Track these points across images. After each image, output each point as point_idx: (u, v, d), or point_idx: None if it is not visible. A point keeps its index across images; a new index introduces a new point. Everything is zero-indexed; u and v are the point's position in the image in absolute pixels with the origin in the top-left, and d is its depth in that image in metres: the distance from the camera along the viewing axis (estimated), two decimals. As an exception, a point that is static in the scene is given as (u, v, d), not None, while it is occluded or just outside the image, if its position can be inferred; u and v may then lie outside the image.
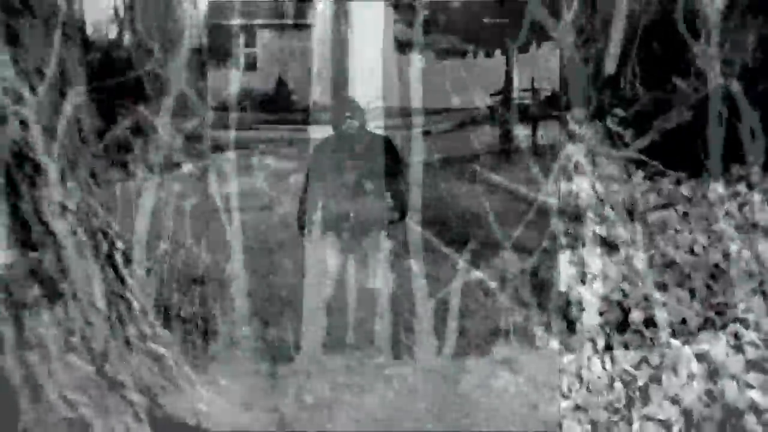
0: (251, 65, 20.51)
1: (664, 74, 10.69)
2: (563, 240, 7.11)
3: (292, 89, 19.70)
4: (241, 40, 20.20)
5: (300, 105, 19.38)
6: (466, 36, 20.71)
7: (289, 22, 20.51)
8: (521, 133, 15.27)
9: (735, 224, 7.40)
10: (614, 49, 11.23)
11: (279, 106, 19.26)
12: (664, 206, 7.75)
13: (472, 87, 18.28)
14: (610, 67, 11.47)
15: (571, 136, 9.35)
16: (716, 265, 6.69)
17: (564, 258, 7.03)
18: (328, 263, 6.31)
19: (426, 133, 17.60)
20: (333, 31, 19.95)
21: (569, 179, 8.03)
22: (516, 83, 16.04)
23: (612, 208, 7.22)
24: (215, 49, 20.59)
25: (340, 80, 19.63)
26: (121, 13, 13.36)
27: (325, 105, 18.48)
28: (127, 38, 13.41)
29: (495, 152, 14.78)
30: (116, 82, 11.04)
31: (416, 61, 20.19)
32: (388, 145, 6.29)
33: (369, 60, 19.73)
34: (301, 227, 6.28)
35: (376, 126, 17.34)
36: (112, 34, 14.38)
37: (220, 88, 20.07)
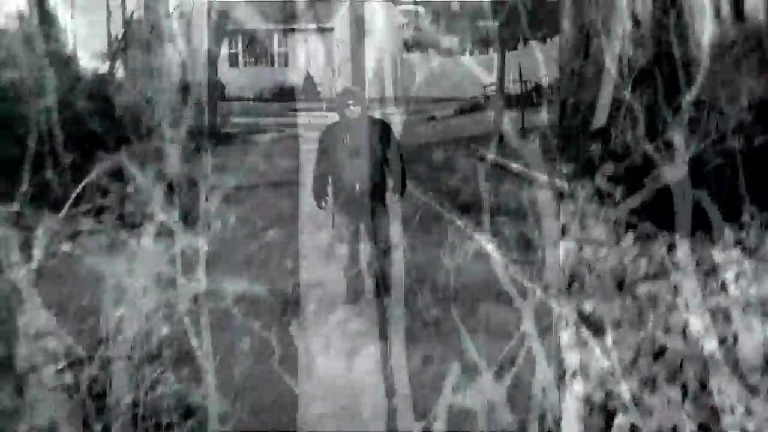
0: (283, 62, 21.23)
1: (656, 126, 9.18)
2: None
3: (317, 83, 20.48)
4: (275, 41, 21.19)
5: (325, 96, 19.39)
6: (464, 36, 21.29)
7: (314, 26, 20.55)
8: (511, 117, 16.03)
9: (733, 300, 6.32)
10: (605, 98, 9.82)
11: (307, 96, 19.40)
12: (656, 275, 6.53)
13: (469, 80, 19.27)
14: (601, 117, 9.97)
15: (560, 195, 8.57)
16: (712, 356, 5.61)
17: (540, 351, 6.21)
18: (341, 231, 6.63)
19: (431, 119, 18.71)
20: (351, 33, 20.64)
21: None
22: (507, 76, 16.48)
23: (599, 277, 6.44)
24: (253, 50, 21.74)
25: (358, 74, 20.50)
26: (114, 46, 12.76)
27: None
28: (119, 72, 12.87)
29: (489, 134, 14.65)
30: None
31: (422, 58, 21.10)
32: (386, 129, 6.53)
33: (382, 58, 20.61)
34: (318, 199, 6.54)
35: (389, 112, 18.42)
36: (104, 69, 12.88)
37: (258, 82, 21.18)
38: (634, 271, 6.61)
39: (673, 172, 7.71)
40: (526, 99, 17.93)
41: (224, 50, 19.23)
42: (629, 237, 7.19)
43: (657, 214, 7.45)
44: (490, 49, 19.47)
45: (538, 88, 19.83)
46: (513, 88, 17.48)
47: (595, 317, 5.99)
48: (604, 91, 9.59)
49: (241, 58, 21.13)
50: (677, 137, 8.03)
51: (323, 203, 6.56)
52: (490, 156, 12.24)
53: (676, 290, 6.31)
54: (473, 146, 13.40)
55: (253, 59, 21.14)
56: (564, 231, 7.19)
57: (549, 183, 9.67)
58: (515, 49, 19.08)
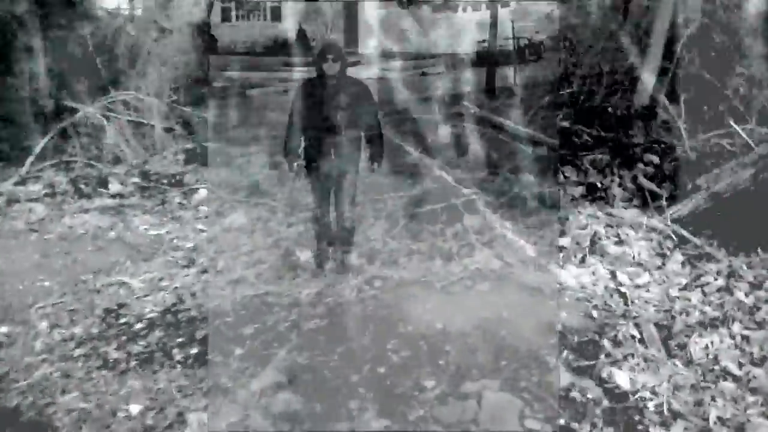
0: (276, 17, 20.99)
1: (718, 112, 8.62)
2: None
3: (310, 37, 19.97)
4: None
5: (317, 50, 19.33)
6: None
7: None
8: (503, 73, 15.90)
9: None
10: (654, 61, 9.56)
11: (299, 51, 19.17)
12: (713, 323, 4.98)
13: (462, 35, 19.17)
14: (643, 94, 9.68)
15: (589, 190, 7.93)
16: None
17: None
18: (313, 194, 6.17)
19: (423, 75, 18.65)
20: None
21: (582, 261, 6.24)
22: (499, 33, 16.11)
23: (638, 326, 4.95)
24: (245, 3, 21.56)
25: (350, 29, 20.38)
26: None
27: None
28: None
29: (481, 90, 15.23)
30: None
31: (415, 13, 20.97)
32: (365, 92, 5.99)
33: (375, 13, 20.44)
34: (289, 160, 6.01)
35: (382, 68, 18.39)
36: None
37: (250, 36, 21.12)
38: (684, 315, 5.32)
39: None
40: (519, 55, 17.87)
41: (217, 4, 18.97)
42: (677, 256, 6.41)
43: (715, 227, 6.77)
44: (483, 5, 19.20)
45: (531, 45, 19.86)
46: (505, 44, 17.11)
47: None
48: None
49: (233, 12, 20.99)
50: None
51: (294, 166, 6.01)
52: (481, 112, 12.03)
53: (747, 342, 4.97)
54: (464, 103, 12.82)
55: (246, 13, 21.01)
56: (592, 245, 6.55)
57: (536, 137, 9.95)
58: (508, 5, 18.99)
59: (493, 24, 15.82)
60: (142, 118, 10.64)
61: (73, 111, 10.25)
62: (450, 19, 20.05)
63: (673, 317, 5.27)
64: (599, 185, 8.02)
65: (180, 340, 5.22)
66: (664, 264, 6.22)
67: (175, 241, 7.25)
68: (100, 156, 9.78)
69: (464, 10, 20.44)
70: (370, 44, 20.10)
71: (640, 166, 8.15)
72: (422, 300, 5.56)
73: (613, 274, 6.01)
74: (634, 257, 6.35)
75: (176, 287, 6.09)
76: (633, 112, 9.68)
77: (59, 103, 10.44)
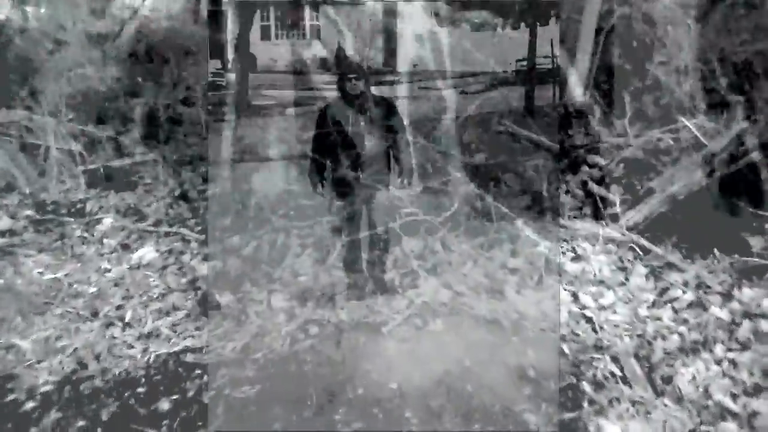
0: (316, 35, 21.01)
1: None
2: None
3: (349, 55, 19.99)
4: (307, 13, 20.89)
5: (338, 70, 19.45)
6: (496, 11, 21.12)
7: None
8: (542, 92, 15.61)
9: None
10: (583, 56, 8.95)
11: (338, 69, 18.76)
12: (694, 348, 4.73)
13: (501, 54, 19.00)
14: (576, 90, 8.88)
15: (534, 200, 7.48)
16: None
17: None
18: (338, 221, 6.03)
19: (462, 93, 18.52)
20: (383, 6, 20.57)
21: (538, 283, 5.83)
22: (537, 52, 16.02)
23: (616, 360, 4.62)
24: (285, 22, 21.74)
25: (389, 47, 20.42)
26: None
27: (378, 68, 19.20)
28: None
29: (519, 109, 15.13)
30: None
31: (454, 32, 20.91)
32: (391, 109, 5.84)
33: (413, 31, 20.41)
34: (313, 183, 5.87)
35: (418, 86, 18.32)
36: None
37: (290, 55, 21.21)
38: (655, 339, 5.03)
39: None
40: (558, 74, 17.64)
41: (256, 23, 19.05)
42: (639, 268, 6.15)
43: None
44: (522, 24, 19.11)
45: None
46: (545, 63, 16.86)
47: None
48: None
49: (273, 31, 21.12)
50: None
51: (319, 187, 5.89)
52: (518, 130, 11.89)
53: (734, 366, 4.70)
54: (503, 121, 12.70)
55: (285, 31, 21.14)
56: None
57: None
58: (546, 24, 18.87)
59: (532, 43, 15.73)
60: (36, 139, 9.81)
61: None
62: (489, 38, 19.93)
63: (649, 343, 4.97)
64: (545, 194, 7.48)
65: (82, 423, 4.37)
66: (627, 279, 5.95)
67: (75, 286, 6.29)
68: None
69: (503, 28, 20.36)
70: (408, 63, 20.05)
71: (586, 169, 7.61)
72: (369, 351, 4.91)
73: (575, 296, 5.69)
74: (594, 274, 6.02)
75: (76, 348, 5.18)
76: (568, 111, 8.77)
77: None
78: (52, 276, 6.54)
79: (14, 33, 11.62)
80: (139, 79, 11.51)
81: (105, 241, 7.42)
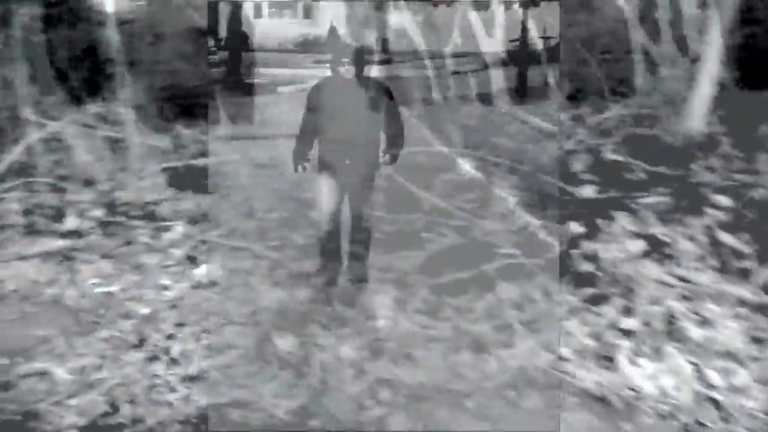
0: (308, 14, 20.87)
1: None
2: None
3: (342, 34, 19.87)
4: None
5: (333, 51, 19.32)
6: None
7: None
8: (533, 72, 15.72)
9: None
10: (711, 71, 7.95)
11: (331, 48, 18.87)
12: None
13: (494, 35, 18.90)
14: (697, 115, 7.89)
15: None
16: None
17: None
18: (323, 201, 5.71)
19: (455, 73, 18.45)
20: None
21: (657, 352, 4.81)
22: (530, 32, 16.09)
23: None
24: (277, 0, 21.68)
25: (382, 28, 20.26)
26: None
27: (371, 48, 19.02)
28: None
29: (512, 89, 15.21)
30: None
31: (446, 12, 20.83)
32: (386, 93, 5.63)
33: (407, 12, 20.27)
34: (296, 161, 5.68)
35: (413, 67, 18.24)
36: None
37: (282, 34, 21.11)
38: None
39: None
40: (549, 55, 17.62)
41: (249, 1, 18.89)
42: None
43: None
44: (515, 5, 19.03)
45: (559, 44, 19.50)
46: (536, 43, 16.87)
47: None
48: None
49: (265, 9, 21.00)
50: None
51: (300, 167, 5.68)
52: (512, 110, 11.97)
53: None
54: (496, 101, 12.68)
55: (278, 10, 21.03)
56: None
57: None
58: (538, 5, 18.86)
59: (524, 23, 15.84)
60: (120, 133, 9.15)
61: (41, 125, 8.75)
62: (482, 19, 19.82)
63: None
64: (664, 239, 6.16)
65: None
66: (762, 353, 4.79)
67: (127, 303, 5.56)
68: (67, 178, 8.13)
69: (495, 9, 20.28)
70: (401, 43, 19.95)
71: (711, 211, 6.48)
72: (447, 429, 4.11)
73: (699, 371, 4.61)
74: (723, 345, 4.85)
75: (112, 384, 4.47)
76: (690, 140, 7.85)
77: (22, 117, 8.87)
78: (106, 290, 5.82)
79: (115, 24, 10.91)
80: None
81: (170, 251, 6.57)
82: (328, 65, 5.81)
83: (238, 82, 15.36)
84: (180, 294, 5.72)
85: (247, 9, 18.70)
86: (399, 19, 20.20)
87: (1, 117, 8.72)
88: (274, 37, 20.32)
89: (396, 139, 5.72)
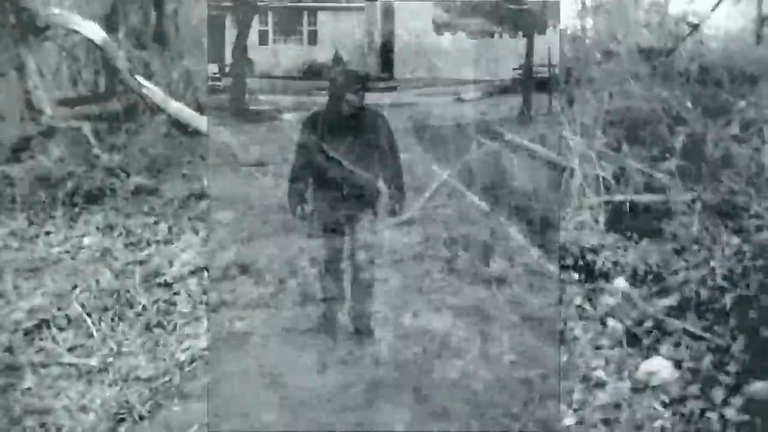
0: (313, 41, 20.65)
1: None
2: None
3: (346, 61, 19.70)
4: (305, 19, 20.53)
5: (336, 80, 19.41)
6: (493, 19, 20.72)
7: (344, 4, 20.39)
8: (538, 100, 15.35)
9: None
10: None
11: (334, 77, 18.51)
12: None
13: (498, 62, 18.76)
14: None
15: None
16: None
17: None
18: (322, 248, 5.15)
19: (458, 100, 18.32)
20: (381, 13, 20.14)
21: None
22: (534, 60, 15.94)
23: None
24: (282, 27, 21.41)
25: (386, 55, 20.12)
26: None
27: (375, 75, 18.87)
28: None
29: (517, 117, 14.97)
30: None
31: (451, 40, 20.68)
32: (382, 124, 5.06)
33: (410, 38, 20.14)
34: (292, 205, 5.07)
35: (417, 94, 18.03)
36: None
37: (287, 60, 20.88)
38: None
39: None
40: (554, 82, 17.46)
41: (254, 27, 18.71)
42: None
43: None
44: (519, 33, 18.87)
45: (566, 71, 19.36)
46: (542, 71, 16.57)
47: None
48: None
49: (270, 36, 20.77)
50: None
51: (299, 210, 5.07)
52: (510, 137, 11.37)
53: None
54: (497, 128, 12.37)
55: (283, 37, 20.82)
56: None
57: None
58: (543, 33, 18.69)
59: (529, 51, 15.70)
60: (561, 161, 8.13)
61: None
62: (486, 46, 19.67)
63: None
64: None
65: None
66: None
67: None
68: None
69: (501, 36, 20.20)
70: (405, 70, 19.77)
71: None
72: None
73: None
74: None
75: None
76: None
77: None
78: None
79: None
80: (688, 104, 9.03)
81: (609, 323, 5.03)
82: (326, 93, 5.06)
83: (241, 108, 15.10)
84: (613, 398, 4.24)
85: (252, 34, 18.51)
86: (405, 46, 20.10)
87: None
88: (279, 64, 20.14)
89: (396, 181, 5.12)
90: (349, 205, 5.00)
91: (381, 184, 5.09)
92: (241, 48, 15.84)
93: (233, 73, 16.21)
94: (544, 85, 16.46)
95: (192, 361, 4.77)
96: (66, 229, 7.24)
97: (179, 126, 9.94)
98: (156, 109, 9.82)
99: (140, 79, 10.02)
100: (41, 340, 4.98)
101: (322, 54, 20.00)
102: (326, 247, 5.12)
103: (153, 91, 9.96)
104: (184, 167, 9.16)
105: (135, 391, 4.40)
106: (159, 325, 5.24)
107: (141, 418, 4.18)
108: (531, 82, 15.79)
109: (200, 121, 10.00)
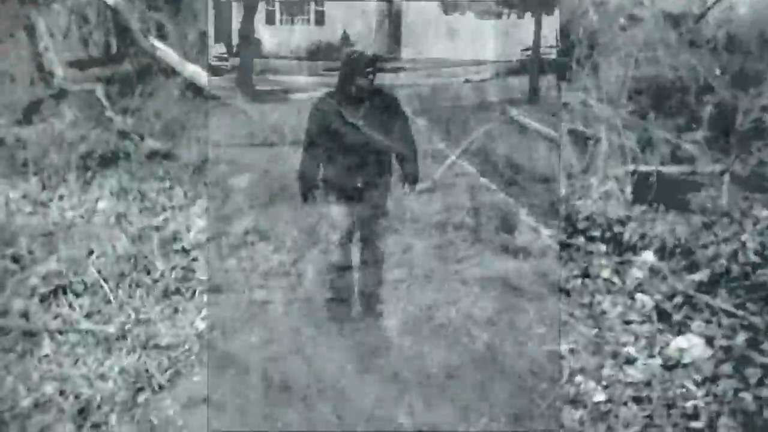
0: (320, 21, 20.47)
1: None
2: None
3: (354, 41, 19.59)
4: None
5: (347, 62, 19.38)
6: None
7: None
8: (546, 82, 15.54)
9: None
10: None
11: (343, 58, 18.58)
12: None
13: (506, 43, 18.62)
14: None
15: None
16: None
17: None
18: (332, 230, 4.92)
19: (466, 81, 18.21)
20: None
21: None
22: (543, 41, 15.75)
23: None
24: (290, 7, 21.26)
25: (394, 35, 19.95)
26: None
27: (383, 56, 18.78)
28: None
29: (525, 98, 14.88)
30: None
31: (459, 20, 20.51)
32: (394, 104, 4.94)
33: (418, 19, 20.00)
34: (304, 190, 4.91)
35: (425, 75, 17.91)
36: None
37: (294, 40, 20.72)
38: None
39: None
40: (562, 63, 17.41)
41: (261, 6, 18.56)
42: None
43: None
44: (527, 13, 18.76)
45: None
46: (549, 52, 16.49)
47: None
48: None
49: (277, 15, 20.60)
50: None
51: (310, 196, 4.92)
52: (524, 120, 11.36)
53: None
54: (504, 108, 12.35)
55: (290, 17, 20.66)
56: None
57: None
58: (551, 13, 18.59)
59: (537, 32, 15.44)
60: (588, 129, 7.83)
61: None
62: (495, 27, 19.54)
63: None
64: None
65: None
66: None
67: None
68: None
69: (508, 16, 20.10)
70: (413, 50, 19.63)
71: None
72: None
73: None
74: None
75: None
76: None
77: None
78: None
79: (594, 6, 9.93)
80: (717, 71, 8.84)
81: (638, 297, 4.88)
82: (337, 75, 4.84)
83: (248, 88, 14.97)
84: (643, 376, 4.10)
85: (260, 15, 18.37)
86: (413, 26, 19.98)
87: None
88: (286, 44, 19.99)
89: (409, 158, 4.97)
90: (361, 185, 4.82)
91: (394, 160, 4.94)
92: (248, 28, 15.69)
93: (240, 53, 16.07)
94: (550, 66, 16.51)
95: (211, 329, 4.67)
96: (80, 193, 7.08)
97: (194, 89, 9.74)
98: (170, 72, 9.64)
99: (154, 40, 9.87)
100: (58, 306, 4.84)
101: (330, 34, 19.91)
102: (340, 217, 4.92)
103: (167, 53, 9.81)
104: (199, 131, 8.98)
105: (154, 359, 4.29)
106: (177, 292, 5.13)
107: (160, 387, 4.05)
108: (539, 63, 15.72)
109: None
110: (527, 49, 17.41)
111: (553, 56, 16.91)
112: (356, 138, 4.73)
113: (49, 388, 3.99)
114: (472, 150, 9.23)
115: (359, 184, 4.81)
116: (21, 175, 7.43)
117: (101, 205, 6.76)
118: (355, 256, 5.01)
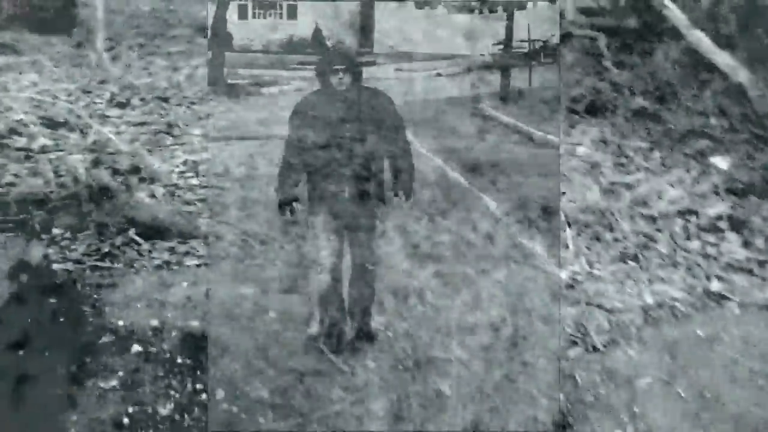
0: (292, 15, 20.24)
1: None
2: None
3: (326, 36, 19.40)
4: None
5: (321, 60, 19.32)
6: None
7: None
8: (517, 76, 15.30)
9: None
10: None
11: (315, 50, 18.22)
12: None
13: (477, 37, 18.39)
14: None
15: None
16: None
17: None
18: (320, 248, 4.66)
19: (438, 75, 17.90)
20: None
21: None
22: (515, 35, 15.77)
23: None
24: (261, 1, 20.99)
25: (366, 29, 19.70)
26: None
27: (355, 50, 18.66)
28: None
29: (496, 93, 14.86)
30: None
31: (431, 14, 20.32)
32: (386, 105, 4.68)
33: (390, 13, 19.72)
34: (283, 201, 4.67)
35: (396, 69, 17.68)
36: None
37: (267, 34, 20.44)
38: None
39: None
40: (533, 58, 17.32)
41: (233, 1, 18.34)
42: None
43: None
44: (500, 8, 18.62)
45: (545, 47, 19.14)
46: (521, 46, 16.29)
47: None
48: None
49: (249, 9, 20.38)
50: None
51: (289, 210, 4.60)
52: (496, 114, 11.03)
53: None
54: (476, 104, 12.15)
55: (262, 11, 20.44)
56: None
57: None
58: (524, 8, 18.53)
59: (509, 26, 15.72)
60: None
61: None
62: (466, 21, 19.36)
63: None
64: None
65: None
66: None
67: None
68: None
69: (480, 12, 19.95)
70: (385, 44, 19.38)
71: None
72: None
73: None
74: None
75: None
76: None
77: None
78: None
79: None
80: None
81: None
82: (315, 75, 4.72)
83: (220, 82, 14.84)
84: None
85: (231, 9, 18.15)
86: (385, 19, 19.76)
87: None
88: (258, 38, 19.74)
89: (404, 167, 4.75)
90: (349, 198, 4.61)
91: (386, 166, 4.71)
92: (220, 22, 15.49)
93: (212, 48, 15.96)
94: (523, 61, 16.39)
95: (659, 305, 4.30)
96: (563, 135, 7.10)
97: (694, 56, 9.23)
98: (674, 34, 9.03)
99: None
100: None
101: (303, 28, 19.72)
102: (324, 247, 4.69)
103: (677, 15, 9.24)
104: (690, 101, 8.63)
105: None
106: (635, 258, 4.77)
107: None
108: (511, 58, 15.63)
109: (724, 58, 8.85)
110: (499, 44, 17.54)
111: (525, 50, 16.86)
112: (342, 143, 4.40)
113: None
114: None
115: (347, 195, 4.58)
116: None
117: (579, 150, 6.80)
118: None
